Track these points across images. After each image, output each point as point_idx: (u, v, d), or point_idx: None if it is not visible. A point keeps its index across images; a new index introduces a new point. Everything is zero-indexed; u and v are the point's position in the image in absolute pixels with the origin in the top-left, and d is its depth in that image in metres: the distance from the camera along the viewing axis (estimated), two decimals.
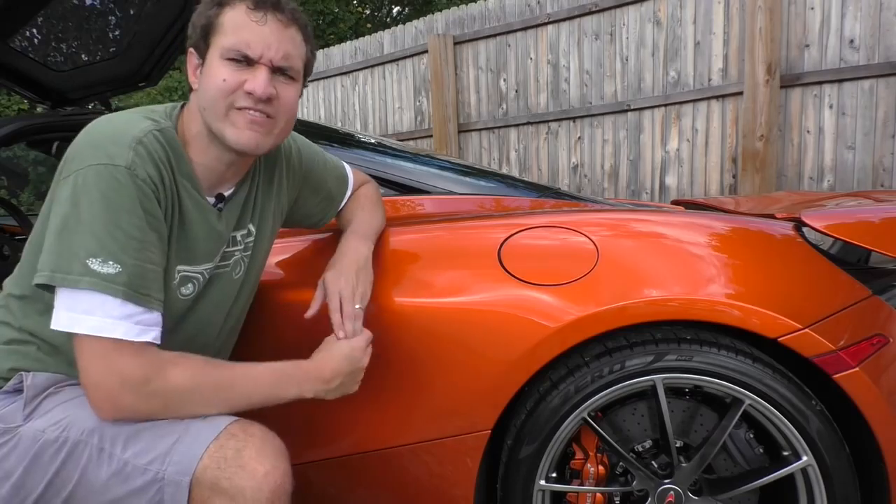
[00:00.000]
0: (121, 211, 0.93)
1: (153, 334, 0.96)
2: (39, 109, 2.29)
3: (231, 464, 0.93)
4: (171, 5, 1.82)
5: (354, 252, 1.24)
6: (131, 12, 1.88)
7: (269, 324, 1.33)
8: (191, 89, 1.09)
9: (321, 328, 1.25)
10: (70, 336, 0.94)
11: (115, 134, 0.97)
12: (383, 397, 1.29)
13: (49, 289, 0.94)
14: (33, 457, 0.97)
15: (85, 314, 0.91)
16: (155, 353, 0.96)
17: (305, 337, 1.20)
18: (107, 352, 0.92)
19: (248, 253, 1.20)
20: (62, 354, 1.05)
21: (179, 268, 1.06)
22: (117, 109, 2.04)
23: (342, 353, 1.11)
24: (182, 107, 1.10)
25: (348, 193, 1.39)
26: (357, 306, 1.17)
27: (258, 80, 1.01)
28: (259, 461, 0.93)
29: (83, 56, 1.98)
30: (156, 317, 0.97)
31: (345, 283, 1.19)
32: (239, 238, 1.17)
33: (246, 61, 1.01)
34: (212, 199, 1.10)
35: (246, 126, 1.03)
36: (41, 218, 1.02)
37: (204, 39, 1.03)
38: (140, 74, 2.07)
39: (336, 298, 1.17)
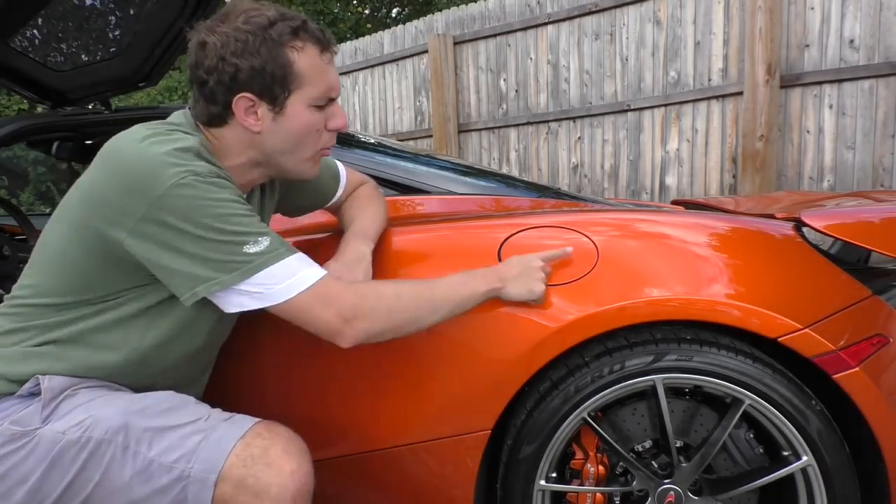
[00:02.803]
0: (227, 202, 0.98)
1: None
2: (39, 109, 2.29)
3: (258, 461, 0.94)
4: (171, 5, 1.82)
5: (354, 251, 1.24)
6: (131, 12, 1.88)
7: (267, 323, 1.33)
8: (213, 123, 1.08)
9: None
10: (89, 327, 1.01)
11: (172, 150, 0.98)
12: (383, 397, 1.29)
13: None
14: (53, 459, 0.97)
15: (279, 282, 0.99)
16: (349, 282, 1.08)
17: (302, 335, 1.20)
18: (318, 299, 1.01)
19: None
20: (82, 346, 1.05)
21: None
22: (117, 110, 2.04)
23: (514, 260, 1.20)
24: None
25: (340, 191, 1.39)
26: None
27: (341, 117, 1.12)
28: (286, 459, 0.95)
29: (83, 56, 1.98)
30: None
31: (350, 275, 1.20)
32: None
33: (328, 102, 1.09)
34: None
35: (318, 162, 1.16)
36: (74, 238, 1.02)
37: (282, 87, 1.04)
38: (140, 74, 2.06)
39: None
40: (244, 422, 1.00)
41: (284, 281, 0.99)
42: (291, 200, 1.35)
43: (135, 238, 0.97)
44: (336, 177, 1.39)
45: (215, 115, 1.06)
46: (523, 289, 1.17)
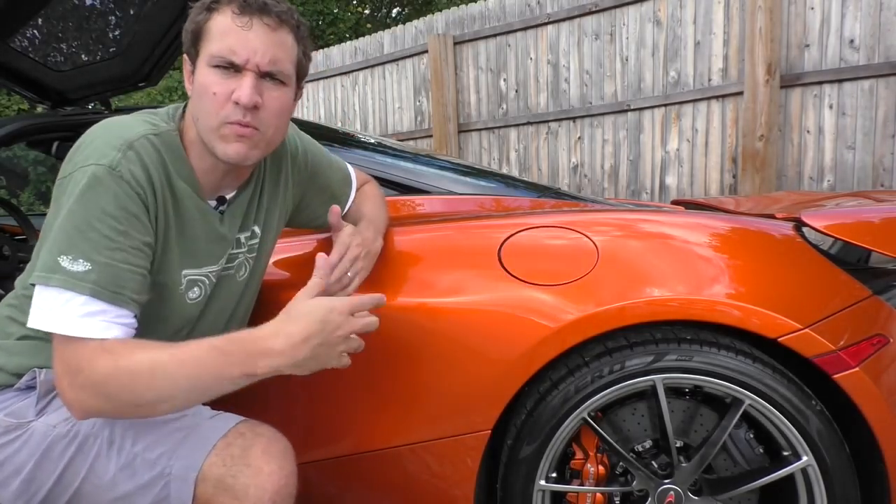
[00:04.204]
0: (97, 210, 0.92)
1: (118, 331, 0.92)
2: (39, 109, 2.29)
3: (237, 462, 0.93)
4: (171, 6, 1.82)
5: (368, 241, 1.25)
6: (131, 12, 1.88)
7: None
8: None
9: None
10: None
11: (107, 137, 0.97)
12: (383, 397, 1.29)
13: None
14: (44, 451, 0.97)
15: (50, 311, 0.90)
16: (99, 343, 0.90)
17: None
18: (62, 347, 0.91)
19: (253, 255, 1.19)
20: None
21: (185, 272, 1.06)
22: (117, 109, 2.04)
23: (315, 314, 0.93)
24: (184, 108, 1.09)
25: (352, 195, 1.39)
26: (349, 274, 1.19)
27: (243, 88, 0.98)
28: (265, 460, 0.93)
29: (83, 56, 1.98)
30: (126, 314, 0.94)
31: (360, 241, 1.22)
32: (243, 240, 1.17)
33: (233, 68, 0.99)
34: (213, 202, 1.10)
35: (234, 139, 1.00)
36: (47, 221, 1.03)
37: (194, 45, 1.02)
38: (140, 74, 2.06)
39: (342, 248, 1.20)
40: (228, 420, 0.98)
41: (47, 310, 0.90)
42: (308, 208, 1.32)
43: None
44: (348, 181, 1.39)
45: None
46: (314, 367, 0.95)
